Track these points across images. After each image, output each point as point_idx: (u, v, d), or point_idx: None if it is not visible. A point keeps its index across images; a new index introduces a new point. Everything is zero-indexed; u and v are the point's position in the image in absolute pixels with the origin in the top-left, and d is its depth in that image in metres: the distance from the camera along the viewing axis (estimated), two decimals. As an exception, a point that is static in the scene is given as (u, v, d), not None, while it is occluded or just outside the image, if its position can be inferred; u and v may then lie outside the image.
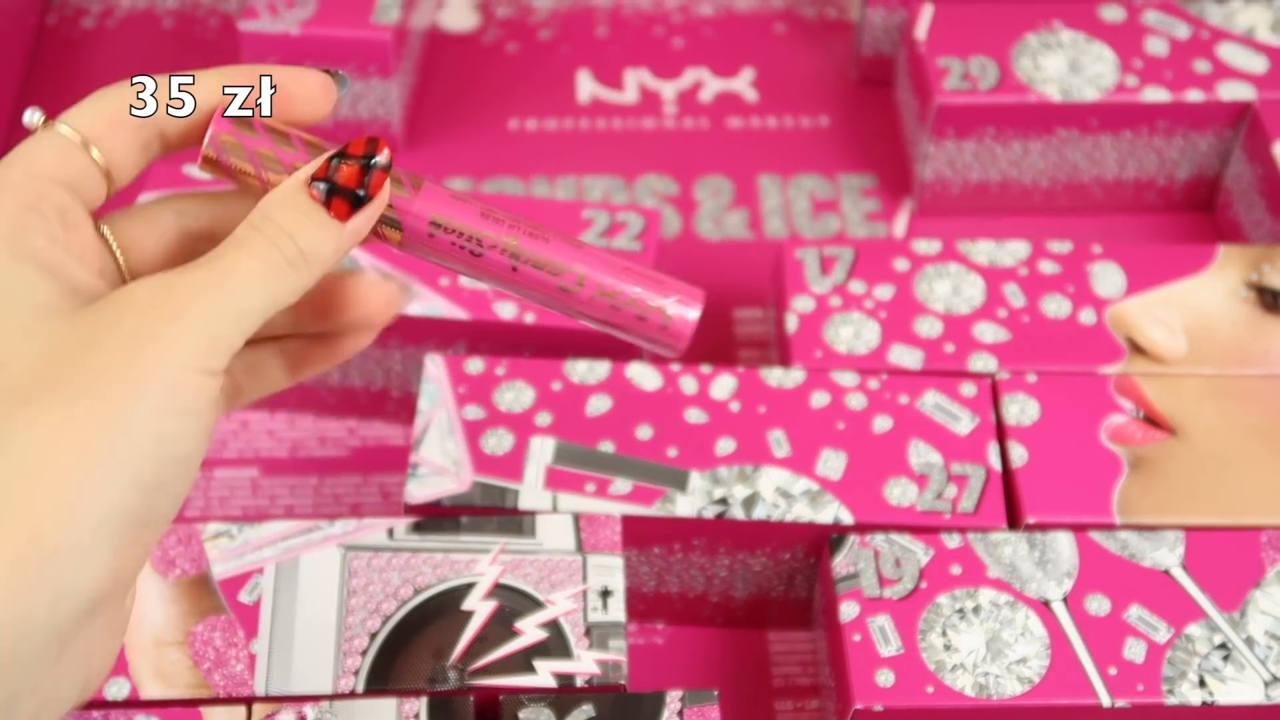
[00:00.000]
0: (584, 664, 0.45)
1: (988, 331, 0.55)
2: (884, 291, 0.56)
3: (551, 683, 0.45)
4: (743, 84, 0.72)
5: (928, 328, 0.55)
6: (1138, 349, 0.54)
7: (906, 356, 0.54)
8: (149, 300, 0.33)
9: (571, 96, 0.71)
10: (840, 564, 0.48)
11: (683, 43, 0.74)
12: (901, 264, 0.57)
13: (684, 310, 0.41)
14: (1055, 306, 0.55)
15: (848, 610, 0.47)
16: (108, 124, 0.36)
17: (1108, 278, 0.56)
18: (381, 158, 0.37)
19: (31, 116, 0.36)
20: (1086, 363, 0.54)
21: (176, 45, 0.73)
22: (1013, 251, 0.57)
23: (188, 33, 0.74)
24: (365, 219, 0.36)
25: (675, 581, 0.52)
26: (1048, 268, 0.57)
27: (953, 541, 0.48)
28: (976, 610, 0.47)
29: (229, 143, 0.37)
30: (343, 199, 0.36)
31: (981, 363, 0.54)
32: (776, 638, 0.54)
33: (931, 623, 0.47)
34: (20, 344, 0.32)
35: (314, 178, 0.36)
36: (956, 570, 0.48)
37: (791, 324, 0.55)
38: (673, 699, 0.44)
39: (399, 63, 0.65)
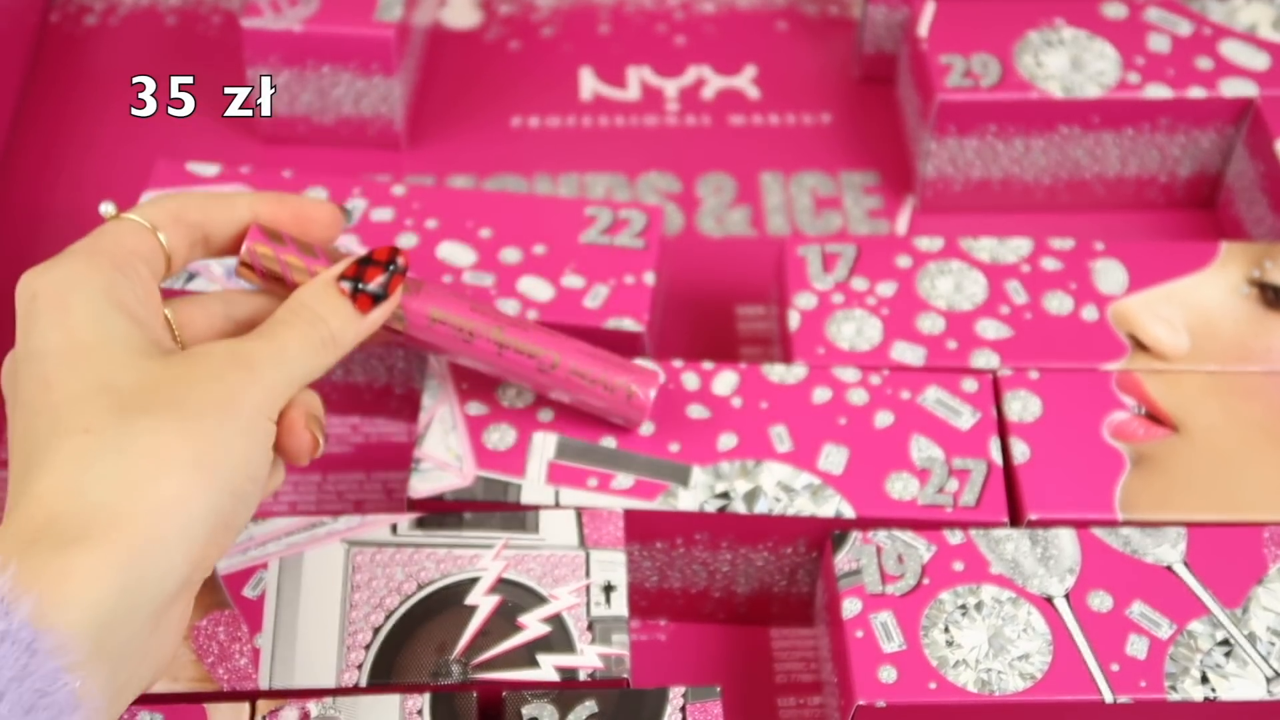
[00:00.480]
0: (587, 659, 0.45)
1: (990, 328, 0.55)
2: (886, 288, 0.56)
3: (554, 677, 0.45)
4: (745, 81, 0.72)
5: (930, 324, 0.55)
6: (1140, 346, 0.54)
7: (909, 353, 0.54)
8: (227, 356, 0.41)
9: (574, 94, 0.72)
10: (843, 560, 0.48)
11: (685, 40, 0.74)
12: (904, 261, 0.57)
13: (644, 389, 0.49)
14: (1057, 303, 0.55)
15: (850, 606, 0.47)
16: (170, 219, 0.43)
17: (1110, 275, 0.56)
18: (401, 262, 0.45)
19: (106, 208, 0.44)
20: (1089, 359, 0.54)
21: (179, 42, 0.73)
22: (1015, 248, 0.57)
23: (190, 30, 0.74)
24: (382, 312, 0.45)
25: (678, 577, 0.52)
26: (1050, 265, 0.57)
27: (955, 538, 0.48)
28: (979, 606, 0.47)
29: (262, 252, 0.45)
30: (366, 295, 0.44)
31: (984, 359, 0.54)
32: (779, 634, 0.54)
33: (934, 619, 0.47)
34: (125, 374, 0.39)
35: (342, 276, 0.44)
36: (959, 566, 0.48)
37: (794, 321, 0.55)
38: (675, 695, 0.44)
39: (401, 60, 0.65)
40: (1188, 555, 0.48)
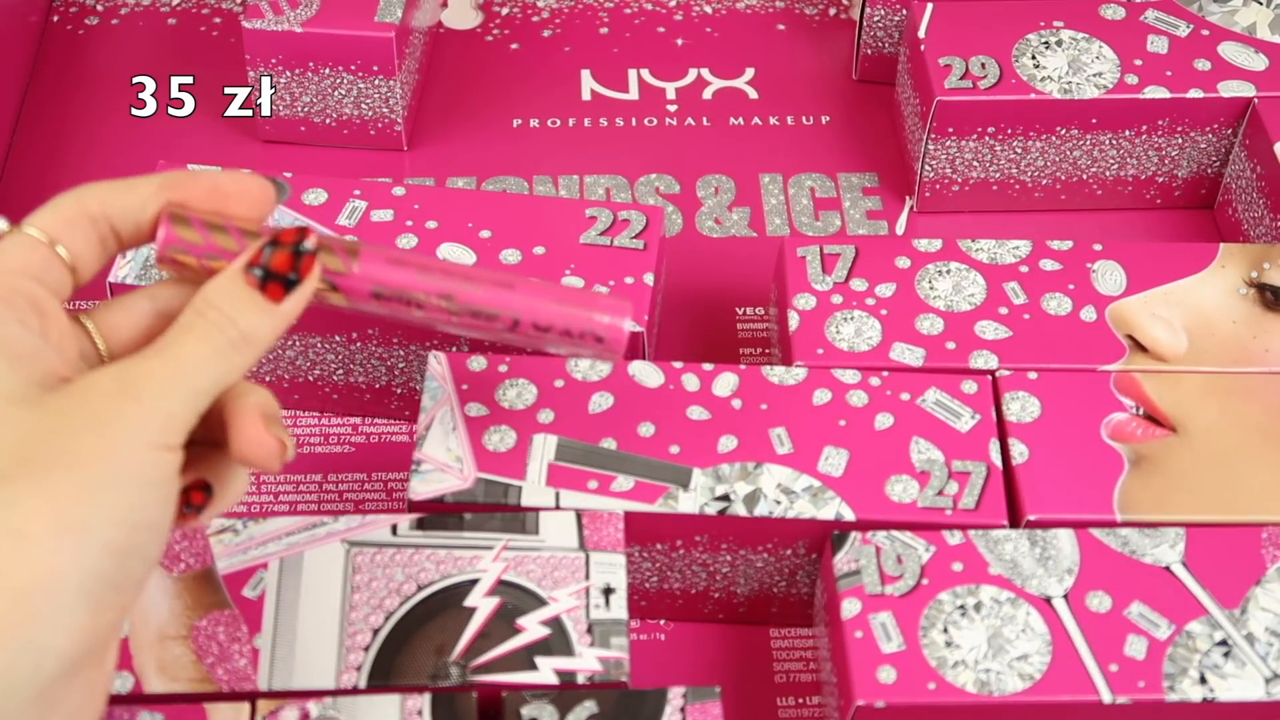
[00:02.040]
0: (586, 661, 0.45)
1: (989, 329, 0.55)
2: (885, 289, 0.56)
3: (553, 680, 0.45)
4: (744, 83, 0.72)
5: (929, 325, 0.55)
6: (1138, 347, 0.54)
7: (908, 354, 0.54)
8: (109, 386, 0.36)
9: (574, 95, 0.72)
10: (842, 561, 0.48)
11: (684, 41, 0.74)
12: (903, 262, 0.57)
13: (616, 321, 0.45)
14: (1056, 304, 0.55)
15: (849, 607, 0.47)
16: (66, 223, 0.39)
17: (1108, 276, 0.56)
18: (309, 243, 0.39)
19: None
20: (1087, 360, 0.54)
21: (180, 42, 0.73)
22: (1014, 249, 0.57)
23: (191, 30, 0.74)
24: (298, 300, 0.40)
25: (677, 578, 0.52)
26: (1048, 266, 0.57)
27: (954, 539, 0.48)
28: (978, 607, 0.47)
29: (172, 242, 0.40)
30: (276, 283, 0.39)
31: (982, 360, 0.54)
32: (778, 634, 0.54)
33: (933, 619, 0.47)
34: None
35: (250, 265, 0.39)
36: (958, 567, 0.48)
37: (793, 321, 0.55)
38: (675, 696, 0.44)
39: (402, 61, 0.66)
40: (1186, 556, 0.48)
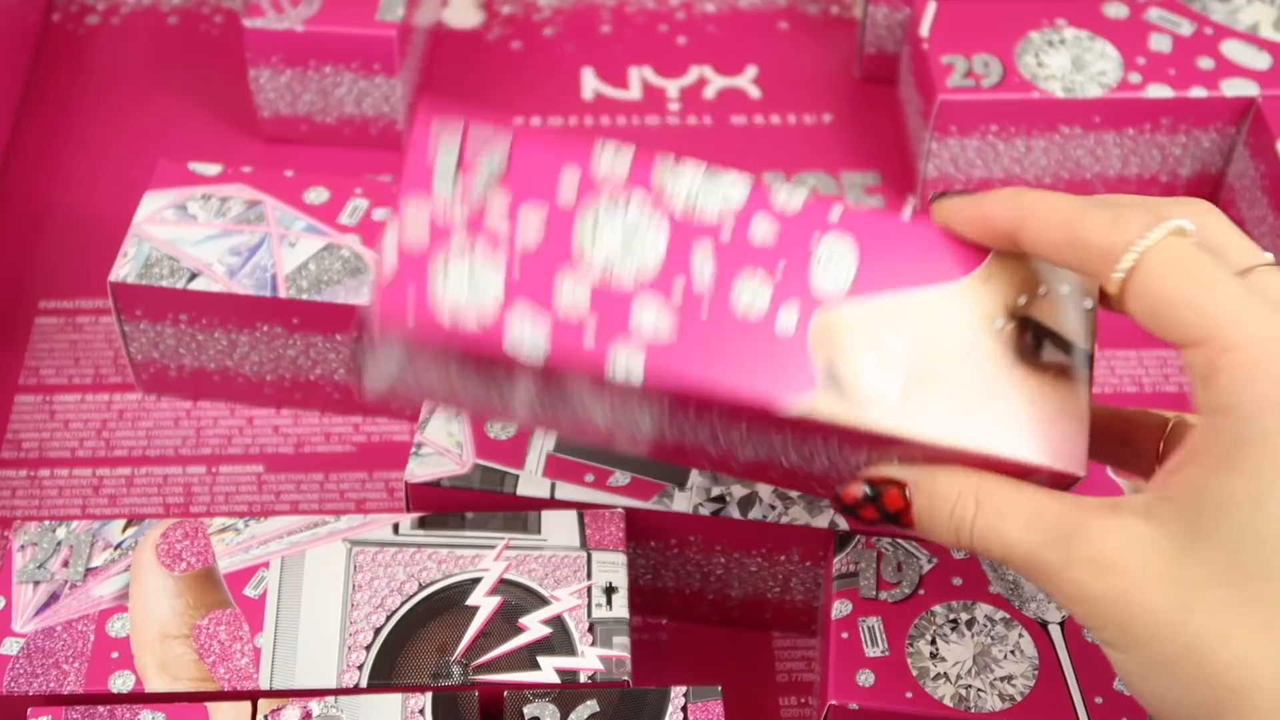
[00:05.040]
0: (588, 660, 0.45)
1: (648, 315, 0.39)
2: (531, 220, 0.40)
3: (555, 679, 0.45)
4: (746, 81, 0.72)
5: (569, 291, 0.39)
6: (835, 379, 0.39)
7: (526, 331, 0.38)
8: None
9: (576, 94, 0.72)
10: (841, 561, 0.48)
11: (686, 40, 0.74)
12: (569, 182, 0.40)
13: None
14: (749, 296, 0.40)
15: (840, 608, 0.47)
16: None
17: (833, 262, 0.40)
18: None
19: None
20: (762, 390, 0.39)
21: (181, 42, 0.73)
22: (726, 190, 0.41)
23: (193, 29, 0.74)
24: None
25: (671, 577, 0.52)
26: (761, 230, 0.40)
27: (959, 553, 0.48)
28: (970, 623, 0.47)
29: None
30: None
31: (623, 362, 0.39)
32: (780, 634, 0.54)
33: (922, 629, 0.46)
34: None
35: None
36: (957, 581, 0.47)
37: (389, 246, 0.39)
38: (677, 694, 0.44)
39: (403, 60, 0.65)
40: None
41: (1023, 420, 0.39)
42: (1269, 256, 0.38)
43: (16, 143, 0.69)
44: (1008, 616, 0.47)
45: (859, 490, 0.41)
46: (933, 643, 0.46)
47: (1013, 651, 0.46)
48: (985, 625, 0.46)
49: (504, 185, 0.40)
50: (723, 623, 0.54)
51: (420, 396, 0.44)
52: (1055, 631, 0.46)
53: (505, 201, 0.40)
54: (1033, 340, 0.40)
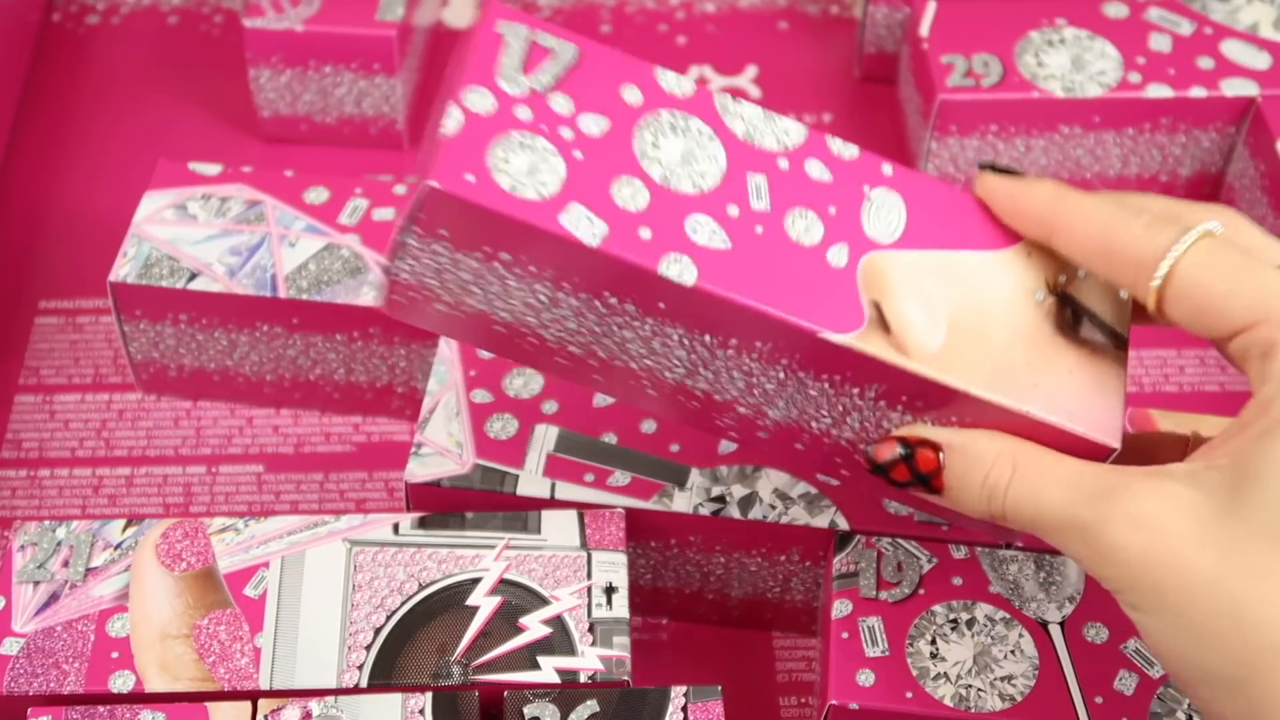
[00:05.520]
0: (588, 660, 0.45)
1: (702, 228, 0.40)
2: (593, 123, 0.40)
3: (555, 679, 0.45)
4: (746, 81, 0.72)
5: (629, 195, 0.40)
6: (881, 321, 0.40)
7: (583, 224, 0.39)
8: None
9: (575, 93, 0.72)
10: (841, 561, 0.48)
11: (686, 40, 0.74)
12: (632, 95, 0.41)
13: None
14: (803, 227, 0.41)
15: (840, 607, 0.47)
16: None
17: (883, 212, 0.42)
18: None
19: None
20: (808, 316, 0.40)
21: (181, 42, 0.73)
22: (783, 132, 0.42)
23: (192, 29, 0.74)
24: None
25: (672, 577, 0.52)
26: (815, 172, 0.42)
27: (959, 553, 0.48)
28: (970, 623, 0.46)
29: None
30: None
31: (675, 269, 0.39)
32: (781, 633, 0.54)
33: (922, 629, 0.46)
34: None
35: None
36: (958, 581, 0.47)
37: (452, 122, 0.39)
38: (677, 694, 0.44)
39: (403, 60, 0.65)
40: None
41: (1061, 387, 0.40)
42: None
43: (16, 143, 0.69)
44: (1008, 616, 0.47)
45: (893, 449, 0.41)
46: (933, 643, 0.46)
47: (1013, 651, 0.46)
48: (985, 625, 0.46)
49: (566, 91, 0.40)
50: (723, 623, 0.54)
51: (446, 316, 0.43)
52: (1055, 631, 0.46)
53: (568, 105, 0.40)
54: (1072, 317, 0.41)
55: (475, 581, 0.47)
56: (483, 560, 0.47)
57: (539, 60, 0.41)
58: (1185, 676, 0.36)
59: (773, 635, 0.54)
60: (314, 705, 0.44)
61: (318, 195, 0.58)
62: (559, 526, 0.48)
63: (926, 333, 0.40)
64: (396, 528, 0.48)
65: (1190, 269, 0.38)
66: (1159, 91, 0.62)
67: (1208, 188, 0.66)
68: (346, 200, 0.57)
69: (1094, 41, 0.64)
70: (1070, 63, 0.63)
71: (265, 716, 0.43)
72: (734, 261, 0.40)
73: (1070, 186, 0.41)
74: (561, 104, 0.40)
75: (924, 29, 0.65)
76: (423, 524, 0.48)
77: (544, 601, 0.46)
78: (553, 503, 0.49)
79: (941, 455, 0.40)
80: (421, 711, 0.43)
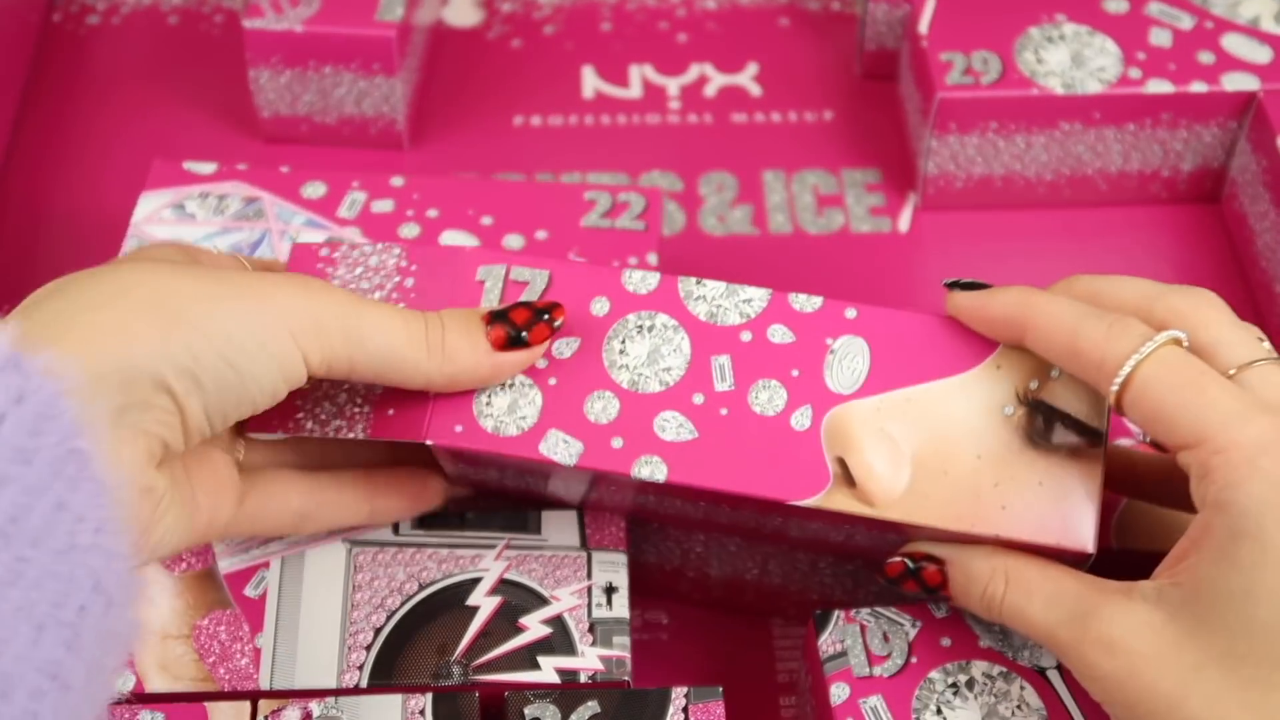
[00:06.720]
0: (588, 660, 0.45)
1: (669, 425, 0.43)
2: (566, 347, 0.45)
3: (555, 679, 0.45)
4: (747, 79, 0.72)
5: (600, 408, 0.44)
6: (847, 476, 0.42)
7: (560, 448, 0.43)
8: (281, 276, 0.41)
9: (576, 92, 0.71)
10: (827, 642, 0.45)
11: (687, 38, 0.74)
12: (600, 306, 0.45)
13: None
14: (767, 398, 0.43)
15: (838, 692, 0.44)
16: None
17: (847, 362, 0.44)
18: (557, 322, 0.43)
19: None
20: (772, 491, 0.42)
21: (181, 42, 0.73)
22: (743, 304, 0.44)
23: (193, 30, 0.74)
24: (514, 361, 0.43)
25: (653, 552, 0.51)
26: (778, 336, 0.44)
27: (940, 612, 0.46)
28: (970, 684, 0.44)
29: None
30: (503, 328, 0.42)
31: (648, 470, 0.43)
32: (780, 632, 0.54)
33: (925, 700, 0.44)
34: None
35: (492, 311, 0.43)
36: (946, 642, 0.45)
37: None
38: (678, 695, 0.44)
39: (403, 60, 0.65)
40: None
41: (1031, 503, 0.42)
42: (1266, 349, 0.41)
43: (16, 143, 0.69)
44: (1004, 670, 0.45)
45: (901, 567, 0.44)
46: (938, 712, 0.44)
47: (1019, 706, 0.44)
48: (985, 684, 0.44)
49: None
50: (703, 603, 0.54)
51: (482, 485, 0.49)
52: (1054, 676, 0.45)
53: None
54: (1043, 424, 0.43)
55: (475, 581, 0.47)
56: (483, 560, 0.47)
57: (515, 296, 0.45)
58: None
59: (773, 635, 0.54)
60: (314, 706, 0.44)
61: (315, 190, 0.58)
62: (559, 526, 0.48)
63: (890, 479, 0.42)
64: (396, 528, 0.48)
65: (1145, 379, 0.39)
66: (1160, 87, 0.62)
67: (1209, 183, 0.66)
68: (344, 193, 0.57)
69: (1094, 37, 0.64)
70: (1070, 59, 0.63)
71: (265, 717, 0.43)
72: (701, 450, 0.43)
73: (1036, 289, 0.43)
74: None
75: (923, 26, 0.65)
76: (423, 524, 0.48)
77: (544, 601, 0.46)
78: (553, 503, 0.49)
79: (944, 569, 0.43)
80: (422, 712, 0.43)
